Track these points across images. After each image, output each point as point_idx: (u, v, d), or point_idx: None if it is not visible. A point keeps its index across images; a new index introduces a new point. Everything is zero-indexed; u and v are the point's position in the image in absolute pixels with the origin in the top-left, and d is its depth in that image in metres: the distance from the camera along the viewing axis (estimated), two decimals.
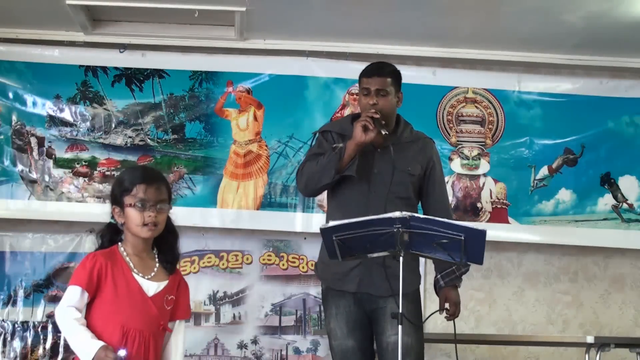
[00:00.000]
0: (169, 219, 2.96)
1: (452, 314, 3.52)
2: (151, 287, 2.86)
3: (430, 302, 4.60)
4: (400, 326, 3.02)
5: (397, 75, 3.54)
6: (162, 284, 2.89)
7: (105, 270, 2.80)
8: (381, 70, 3.53)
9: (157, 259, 2.94)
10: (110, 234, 2.93)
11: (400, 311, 3.02)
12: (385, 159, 3.46)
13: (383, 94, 3.47)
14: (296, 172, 3.65)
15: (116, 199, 2.90)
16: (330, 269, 3.46)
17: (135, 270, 2.86)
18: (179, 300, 2.95)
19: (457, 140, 5.23)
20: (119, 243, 2.91)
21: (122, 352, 2.69)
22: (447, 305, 3.52)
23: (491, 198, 5.18)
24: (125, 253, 2.88)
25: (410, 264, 3.34)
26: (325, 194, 3.65)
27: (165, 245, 2.96)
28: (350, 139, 3.42)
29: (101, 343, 2.70)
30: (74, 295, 2.77)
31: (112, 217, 2.92)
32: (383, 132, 3.38)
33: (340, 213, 3.35)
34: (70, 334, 2.76)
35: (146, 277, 2.87)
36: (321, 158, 3.46)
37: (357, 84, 3.60)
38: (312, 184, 3.49)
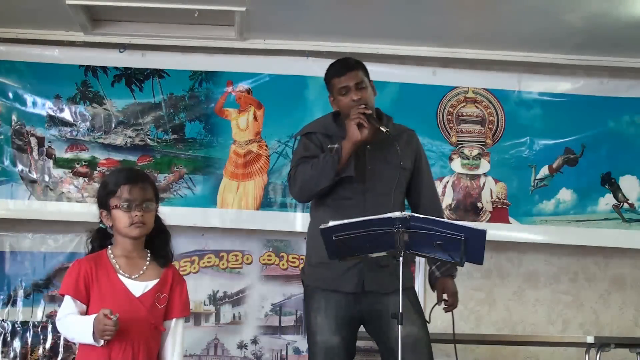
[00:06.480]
0: (159, 219, 2.96)
1: (451, 305, 3.43)
2: (138, 287, 2.85)
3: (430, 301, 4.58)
4: (400, 326, 3.01)
5: (363, 66, 3.47)
6: (151, 283, 2.87)
7: (91, 275, 2.81)
8: (350, 64, 3.44)
9: (148, 258, 2.92)
10: (100, 239, 2.94)
11: (400, 311, 3.01)
12: (377, 155, 3.38)
13: (363, 87, 3.39)
14: (287, 178, 3.48)
15: (102, 203, 2.90)
16: (320, 272, 3.34)
17: (120, 271, 2.85)
18: (174, 298, 2.92)
19: (458, 140, 5.22)
20: (109, 246, 2.92)
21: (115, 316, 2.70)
22: (444, 296, 3.44)
23: (492, 198, 5.18)
24: (112, 255, 2.89)
25: (407, 261, 3.28)
26: None
27: (156, 244, 2.95)
28: (336, 138, 3.33)
29: (93, 316, 2.71)
30: (67, 304, 2.81)
31: (101, 221, 2.93)
32: (384, 129, 3.27)
33: (338, 215, 3.16)
34: (68, 329, 2.80)
35: (132, 277, 2.86)
36: (315, 161, 3.29)
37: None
38: (308, 188, 3.32)
